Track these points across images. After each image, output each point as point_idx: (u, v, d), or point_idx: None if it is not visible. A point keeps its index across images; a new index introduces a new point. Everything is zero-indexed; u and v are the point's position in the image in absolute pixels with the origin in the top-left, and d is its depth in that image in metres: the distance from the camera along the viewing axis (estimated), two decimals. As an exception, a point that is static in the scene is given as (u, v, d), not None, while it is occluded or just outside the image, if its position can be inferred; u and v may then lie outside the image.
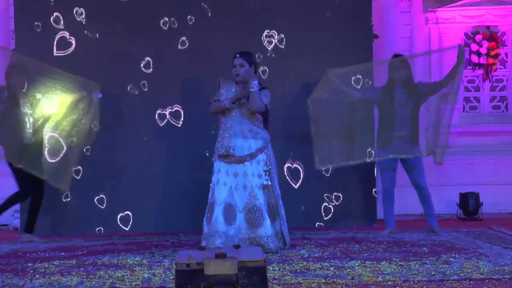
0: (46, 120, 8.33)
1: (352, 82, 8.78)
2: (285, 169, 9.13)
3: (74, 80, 8.26)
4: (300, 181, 9.20)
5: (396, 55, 8.57)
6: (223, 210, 7.28)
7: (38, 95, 8.37)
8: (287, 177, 9.14)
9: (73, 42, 9.11)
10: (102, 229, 9.09)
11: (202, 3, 9.13)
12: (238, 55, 7.49)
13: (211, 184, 7.52)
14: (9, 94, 8.37)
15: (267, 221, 7.26)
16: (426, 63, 10.82)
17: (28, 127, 8.28)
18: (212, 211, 7.32)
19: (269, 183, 7.38)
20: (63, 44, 9.13)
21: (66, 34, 9.12)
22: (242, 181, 7.33)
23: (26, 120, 8.27)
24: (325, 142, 8.30)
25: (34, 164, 8.20)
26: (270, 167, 7.45)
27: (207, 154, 8.46)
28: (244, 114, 7.42)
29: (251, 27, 9.17)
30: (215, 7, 9.18)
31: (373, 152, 8.43)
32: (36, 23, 9.05)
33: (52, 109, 8.40)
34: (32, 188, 8.47)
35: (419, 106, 8.38)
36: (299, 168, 9.15)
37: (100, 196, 9.06)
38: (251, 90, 7.27)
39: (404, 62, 8.40)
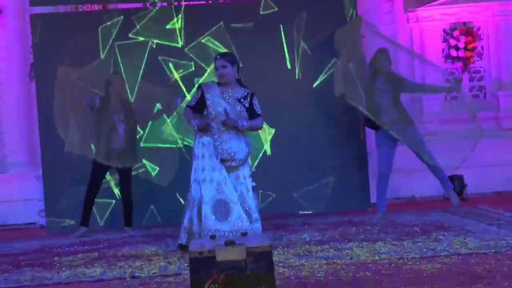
0: (135, 127, 8.45)
1: None
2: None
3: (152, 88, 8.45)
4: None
5: (380, 49, 8.55)
6: (212, 208, 6.35)
7: (132, 104, 8.41)
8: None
9: None
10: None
11: None
12: (218, 57, 6.59)
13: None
14: (103, 103, 8.34)
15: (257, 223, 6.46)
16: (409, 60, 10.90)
17: (120, 134, 8.31)
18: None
19: (254, 184, 6.67)
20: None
21: None
22: (232, 181, 6.41)
23: (118, 127, 8.30)
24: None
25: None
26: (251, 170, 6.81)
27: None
28: (235, 116, 6.40)
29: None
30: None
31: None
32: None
33: (143, 117, 8.55)
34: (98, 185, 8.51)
35: (398, 94, 8.41)
36: None
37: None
38: (246, 127, 6.49)
39: (387, 55, 8.43)
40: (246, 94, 6.54)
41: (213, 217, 6.26)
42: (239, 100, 6.50)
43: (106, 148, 8.28)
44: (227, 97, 6.46)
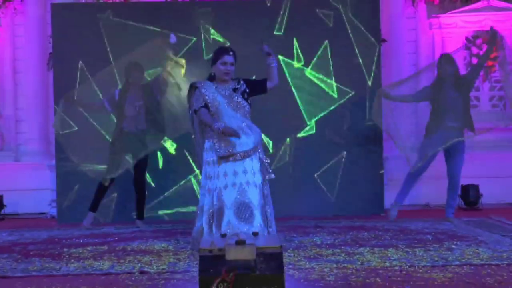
0: (157, 105, 8.39)
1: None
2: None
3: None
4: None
5: (443, 55, 8.60)
6: (234, 213, 6.15)
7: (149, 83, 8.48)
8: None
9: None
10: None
11: None
12: (231, 53, 6.42)
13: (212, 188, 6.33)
14: (122, 91, 8.39)
15: (258, 219, 6.14)
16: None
17: (141, 118, 8.34)
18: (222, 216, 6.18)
19: (271, 176, 6.40)
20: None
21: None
22: (231, 179, 6.20)
23: (140, 111, 8.33)
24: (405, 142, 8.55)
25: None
26: (267, 161, 6.46)
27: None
28: (234, 108, 6.38)
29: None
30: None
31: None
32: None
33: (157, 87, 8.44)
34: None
35: (468, 97, 8.53)
36: None
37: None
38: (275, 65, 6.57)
39: (450, 60, 8.45)
40: (238, 81, 6.54)
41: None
42: (234, 90, 6.46)
43: (123, 144, 8.33)
44: (223, 91, 6.43)
